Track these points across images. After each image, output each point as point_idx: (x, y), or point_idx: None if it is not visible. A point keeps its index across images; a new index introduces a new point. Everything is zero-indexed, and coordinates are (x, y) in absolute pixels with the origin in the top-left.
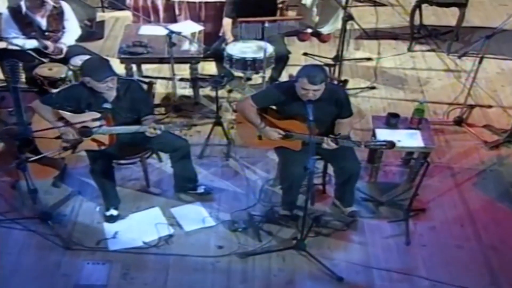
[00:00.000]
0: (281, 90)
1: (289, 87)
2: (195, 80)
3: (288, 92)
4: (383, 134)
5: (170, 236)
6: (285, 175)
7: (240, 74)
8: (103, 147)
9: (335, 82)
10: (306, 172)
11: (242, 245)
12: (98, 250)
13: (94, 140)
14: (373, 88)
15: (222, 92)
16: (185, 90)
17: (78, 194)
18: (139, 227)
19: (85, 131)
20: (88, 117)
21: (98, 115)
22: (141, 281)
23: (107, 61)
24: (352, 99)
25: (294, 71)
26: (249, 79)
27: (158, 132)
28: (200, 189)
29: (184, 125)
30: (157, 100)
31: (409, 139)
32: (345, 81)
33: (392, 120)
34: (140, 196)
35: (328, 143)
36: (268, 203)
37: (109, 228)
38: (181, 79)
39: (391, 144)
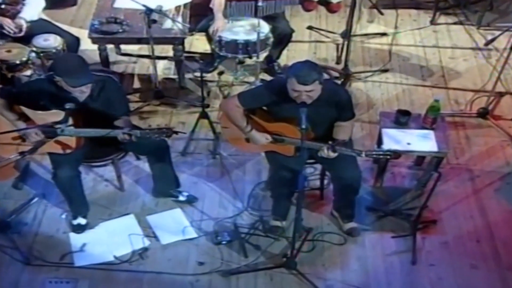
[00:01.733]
0: (272, 89)
1: (281, 86)
2: (179, 63)
3: (280, 91)
4: (391, 135)
5: (145, 249)
6: (276, 182)
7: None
8: (68, 151)
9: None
10: (299, 181)
11: (226, 262)
12: (62, 266)
13: (58, 142)
14: (386, 71)
15: (212, 75)
16: (169, 71)
17: (42, 198)
18: (110, 238)
19: (49, 131)
20: (52, 116)
21: (62, 113)
22: None
23: (85, 64)
24: (360, 85)
25: (296, 49)
26: (241, 62)
27: (133, 139)
28: (182, 197)
29: (163, 133)
30: (136, 84)
31: (420, 141)
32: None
33: (402, 118)
34: (112, 201)
35: (325, 152)
36: (257, 211)
37: (76, 239)
38: (164, 57)
39: (396, 154)
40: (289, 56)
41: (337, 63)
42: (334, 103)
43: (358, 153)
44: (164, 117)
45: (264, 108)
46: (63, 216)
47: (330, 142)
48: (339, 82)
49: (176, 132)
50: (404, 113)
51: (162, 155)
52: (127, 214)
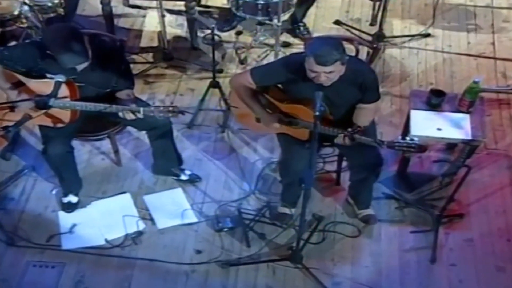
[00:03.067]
0: (288, 66)
1: (298, 63)
2: (192, 21)
3: (298, 69)
4: (420, 117)
5: (140, 233)
6: (286, 171)
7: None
8: (60, 125)
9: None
10: (306, 176)
11: (226, 251)
12: (48, 249)
13: (49, 115)
14: (427, 35)
15: (229, 34)
16: (181, 28)
17: (32, 171)
18: (103, 219)
19: (42, 101)
20: (47, 86)
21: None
22: None
23: (78, 39)
24: (395, 52)
25: (327, 6)
26: (261, 23)
27: (139, 116)
28: (184, 176)
29: (170, 111)
30: (144, 42)
31: (453, 126)
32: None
33: (435, 100)
34: (107, 177)
35: (342, 140)
36: (265, 194)
37: (65, 219)
38: (175, 12)
39: (421, 148)
40: (317, 15)
41: (372, 24)
42: (358, 84)
43: (379, 143)
44: (172, 82)
45: (279, 86)
46: (54, 192)
47: (349, 129)
48: (364, 58)
49: (182, 112)
50: (438, 93)
51: (164, 132)
52: (123, 192)
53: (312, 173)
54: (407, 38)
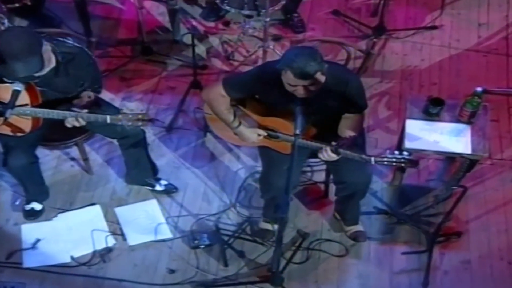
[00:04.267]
0: (264, 76)
1: (276, 73)
2: (174, 13)
3: (275, 80)
4: (416, 128)
5: (109, 250)
6: (267, 186)
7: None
8: (19, 134)
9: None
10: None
11: (201, 271)
12: (8, 267)
13: (8, 124)
14: (433, 28)
15: (216, 25)
16: (163, 18)
17: None
18: (69, 234)
19: None
20: (5, 91)
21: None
22: None
23: (39, 47)
24: (397, 46)
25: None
26: (249, 16)
27: (82, 123)
28: (160, 186)
29: (139, 119)
30: (122, 33)
31: (452, 138)
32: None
33: (433, 109)
34: (76, 186)
35: (327, 154)
36: (247, 208)
37: (28, 233)
38: None
39: (412, 163)
40: (313, 4)
41: (373, 15)
42: (341, 93)
43: (366, 159)
44: (151, 79)
45: (256, 97)
46: (17, 203)
47: (333, 143)
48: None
49: (153, 121)
50: (437, 102)
51: (137, 141)
52: (93, 204)
53: (288, 199)
54: (411, 32)
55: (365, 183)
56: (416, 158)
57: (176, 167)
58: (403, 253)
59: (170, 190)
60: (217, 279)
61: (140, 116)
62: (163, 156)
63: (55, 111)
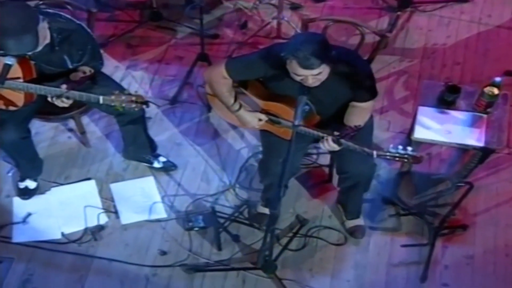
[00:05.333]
0: (269, 60)
1: (281, 57)
2: None
3: (281, 63)
4: (428, 116)
5: (101, 228)
6: (266, 171)
7: None
8: (12, 108)
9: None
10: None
11: (193, 254)
12: None
13: (0, 96)
14: (464, 1)
15: None
16: None
17: None
18: (62, 209)
19: None
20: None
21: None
22: None
23: (35, 24)
24: (422, 21)
25: None
26: None
27: (69, 102)
28: (158, 163)
29: (133, 101)
30: None
31: (465, 129)
32: None
33: (448, 96)
34: (73, 160)
35: (328, 143)
36: (246, 189)
37: (20, 207)
38: None
39: (416, 160)
40: None
41: None
42: (349, 80)
43: (368, 152)
44: (158, 47)
45: (260, 80)
46: (10, 174)
47: (335, 133)
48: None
49: (147, 104)
50: (453, 89)
51: (135, 118)
52: (88, 179)
53: (280, 194)
54: (439, 5)
55: (369, 174)
56: (420, 155)
57: (178, 143)
58: (403, 246)
59: (168, 168)
60: (209, 263)
61: (134, 98)
62: (165, 131)
63: (47, 88)
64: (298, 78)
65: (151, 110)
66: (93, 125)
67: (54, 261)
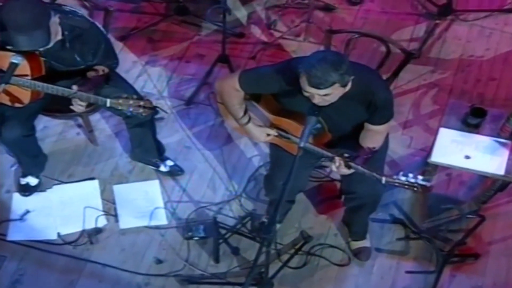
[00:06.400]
0: (284, 75)
1: (295, 73)
2: None
3: (295, 79)
4: (448, 139)
5: (98, 231)
6: (271, 186)
7: None
8: (18, 105)
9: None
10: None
11: (190, 265)
12: None
13: (7, 92)
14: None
15: None
16: None
17: None
18: (61, 208)
19: None
20: (5, 59)
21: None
22: None
23: (47, 20)
24: (461, 30)
25: None
26: None
27: (83, 105)
28: (164, 167)
29: (141, 106)
30: None
31: (485, 155)
32: None
33: (472, 119)
34: (78, 157)
35: (335, 167)
36: (253, 200)
37: (19, 203)
38: None
39: (425, 189)
40: None
41: None
42: (366, 103)
43: (377, 178)
44: (180, 43)
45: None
46: (13, 168)
47: (345, 154)
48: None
49: (155, 110)
50: (478, 112)
51: (143, 121)
52: (92, 178)
53: (275, 218)
54: (482, 14)
55: (376, 196)
56: (430, 184)
57: (187, 147)
58: (407, 272)
59: (175, 172)
60: (204, 275)
61: (142, 103)
62: (176, 133)
63: (55, 87)
64: (306, 94)
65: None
66: (103, 122)
67: (46, 262)
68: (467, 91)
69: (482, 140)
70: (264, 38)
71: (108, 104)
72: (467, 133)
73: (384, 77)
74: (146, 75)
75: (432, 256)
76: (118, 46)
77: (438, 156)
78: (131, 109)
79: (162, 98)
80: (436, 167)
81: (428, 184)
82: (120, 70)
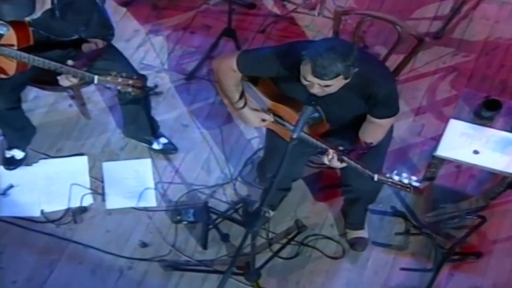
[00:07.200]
0: (284, 58)
1: (298, 57)
2: None
3: (296, 64)
4: (457, 131)
5: (83, 209)
6: (263, 173)
7: None
8: (2, 76)
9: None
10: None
11: (176, 250)
12: None
13: None
14: None
15: None
16: None
17: None
18: (47, 184)
19: None
20: None
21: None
22: (9, 277)
23: None
24: (491, 9)
25: None
26: None
27: (74, 81)
28: (157, 145)
29: (129, 85)
30: None
31: (495, 151)
32: None
33: (486, 112)
34: (69, 131)
35: (329, 159)
36: (248, 185)
37: (3, 178)
38: None
39: (417, 191)
40: None
41: None
42: (366, 95)
43: (370, 174)
44: (186, 12)
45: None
46: None
47: (340, 147)
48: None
49: (145, 89)
50: (493, 105)
51: (136, 98)
52: (81, 154)
53: (261, 212)
54: None
55: (372, 191)
56: (423, 186)
57: (185, 125)
58: (402, 269)
59: (168, 151)
60: (189, 262)
61: (131, 82)
62: (174, 109)
63: (41, 59)
64: (304, 82)
65: (164, 85)
66: (98, 94)
67: (27, 241)
68: (488, 77)
69: (494, 134)
70: (276, 10)
71: (95, 81)
72: (479, 126)
73: (396, 62)
74: (148, 45)
75: (431, 253)
76: (120, 12)
77: (445, 149)
78: (119, 87)
79: (164, 70)
80: (443, 160)
81: (421, 186)
82: (120, 39)
